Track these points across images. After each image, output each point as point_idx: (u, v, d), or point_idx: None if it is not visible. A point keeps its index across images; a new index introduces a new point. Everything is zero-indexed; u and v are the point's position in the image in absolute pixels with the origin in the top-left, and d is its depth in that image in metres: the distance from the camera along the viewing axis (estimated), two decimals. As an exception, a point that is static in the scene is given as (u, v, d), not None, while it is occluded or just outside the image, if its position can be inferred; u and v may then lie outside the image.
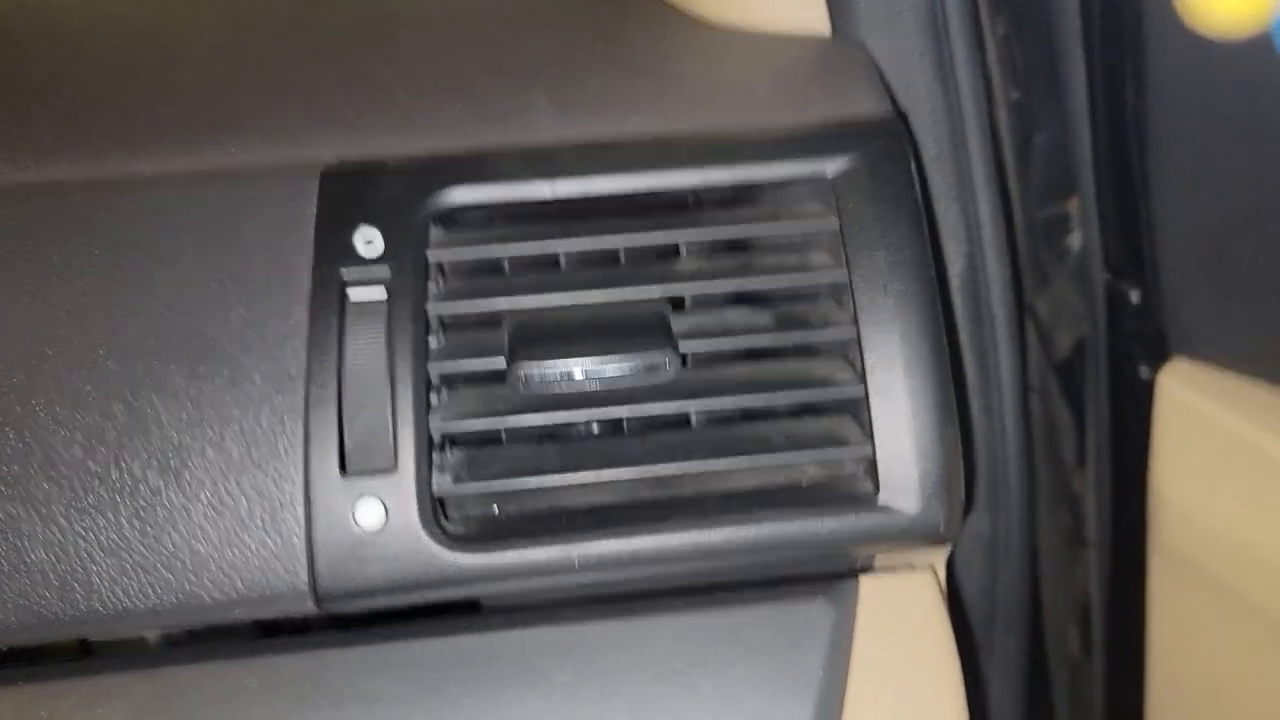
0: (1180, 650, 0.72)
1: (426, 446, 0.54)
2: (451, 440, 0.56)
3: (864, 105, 0.62)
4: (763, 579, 0.58)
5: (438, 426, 0.54)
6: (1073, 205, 0.75)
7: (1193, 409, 0.67)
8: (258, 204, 0.56)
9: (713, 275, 0.57)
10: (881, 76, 0.66)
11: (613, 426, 0.58)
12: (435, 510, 0.53)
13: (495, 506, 0.55)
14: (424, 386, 0.54)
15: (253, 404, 0.53)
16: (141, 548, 0.52)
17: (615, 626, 0.56)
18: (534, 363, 0.54)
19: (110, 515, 0.52)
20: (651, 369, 0.54)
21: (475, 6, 0.73)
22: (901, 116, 0.63)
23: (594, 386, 0.55)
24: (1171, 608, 0.71)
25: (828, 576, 0.58)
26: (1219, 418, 0.64)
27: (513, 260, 0.60)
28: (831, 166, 0.58)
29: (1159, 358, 0.70)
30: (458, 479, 0.54)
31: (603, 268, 0.59)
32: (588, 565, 0.54)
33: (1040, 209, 0.77)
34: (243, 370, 0.54)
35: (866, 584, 0.58)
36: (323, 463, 0.53)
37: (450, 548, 0.53)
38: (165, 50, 0.68)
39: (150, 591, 0.52)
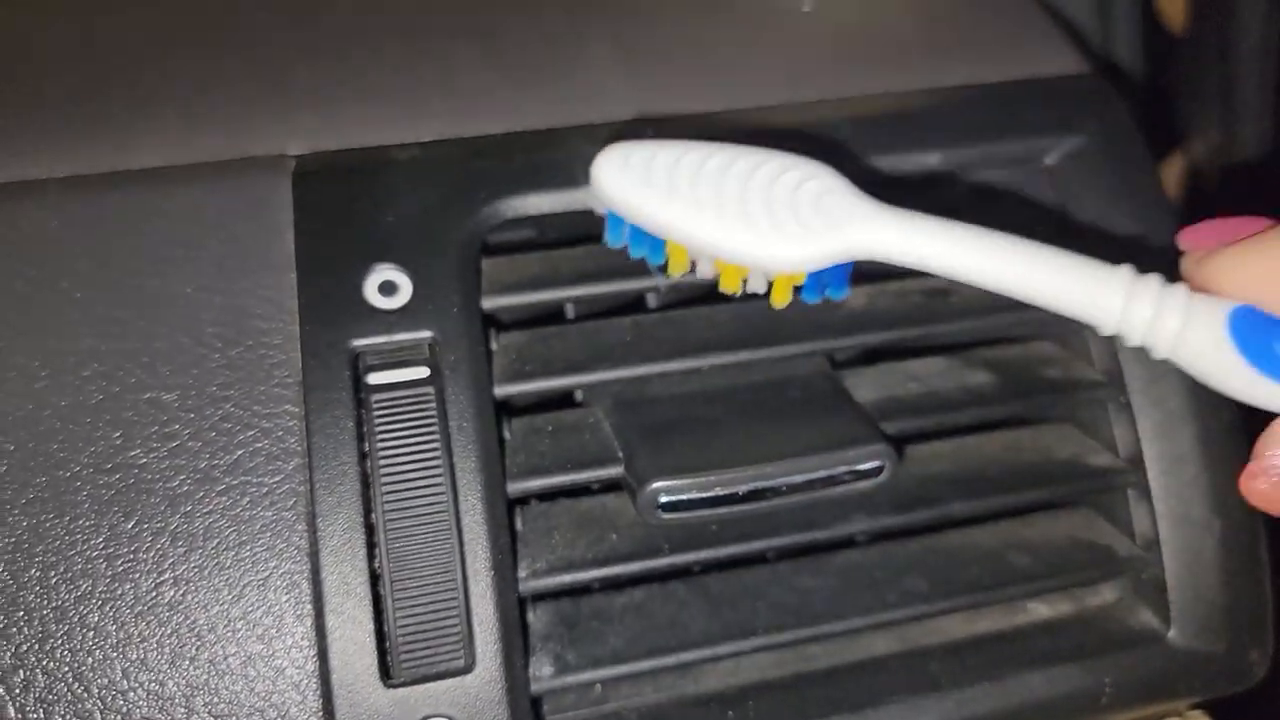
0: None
1: (518, 620, 0.33)
2: (535, 597, 0.36)
3: (1048, 58, 0.44)
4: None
5: (530, 584, 0.34)
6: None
7: None
8: (174, 228, 0.35)
9: (891, 317, 0.38)
10: (1052, 14, 0.48)
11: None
12: (535, 721, 0.33)
13: (605, 695, 0.36)
14: (504, 521, 0.33)
15: (218, 572, 0.32)
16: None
17: None
18: (674, 480, 0.34)
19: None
20: (859, 475, 0.35)
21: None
22: (1107, 71, 0.45)
23: (758, 504, 0.35)
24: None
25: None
26: None
27: (579, 303, 0.40)
28: (1052, 148, 0.40)
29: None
30: (561, 664, 0.34)
31: (709, 305, 0.39)
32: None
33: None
34: (196, 516, 0.32)
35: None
36: (352, 667, 0.32)
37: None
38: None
39: None
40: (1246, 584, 0.38)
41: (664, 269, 0.32)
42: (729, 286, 0.31)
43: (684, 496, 0.33)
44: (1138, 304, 0.28)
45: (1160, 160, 0.64)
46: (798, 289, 0.31)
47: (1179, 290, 0.28)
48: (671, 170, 0.30)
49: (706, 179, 0.30)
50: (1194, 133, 0.61)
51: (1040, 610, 0.38)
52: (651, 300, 0.40)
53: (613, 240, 0.32)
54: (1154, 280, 0.28)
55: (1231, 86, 0.56)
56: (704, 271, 0.31)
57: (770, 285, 0.31)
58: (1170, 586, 0.37)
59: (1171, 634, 0.37)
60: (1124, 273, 0.28)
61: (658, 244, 0.31)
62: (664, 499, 0.33)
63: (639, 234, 0.31)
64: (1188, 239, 0.29)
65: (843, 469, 0.34)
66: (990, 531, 0.39)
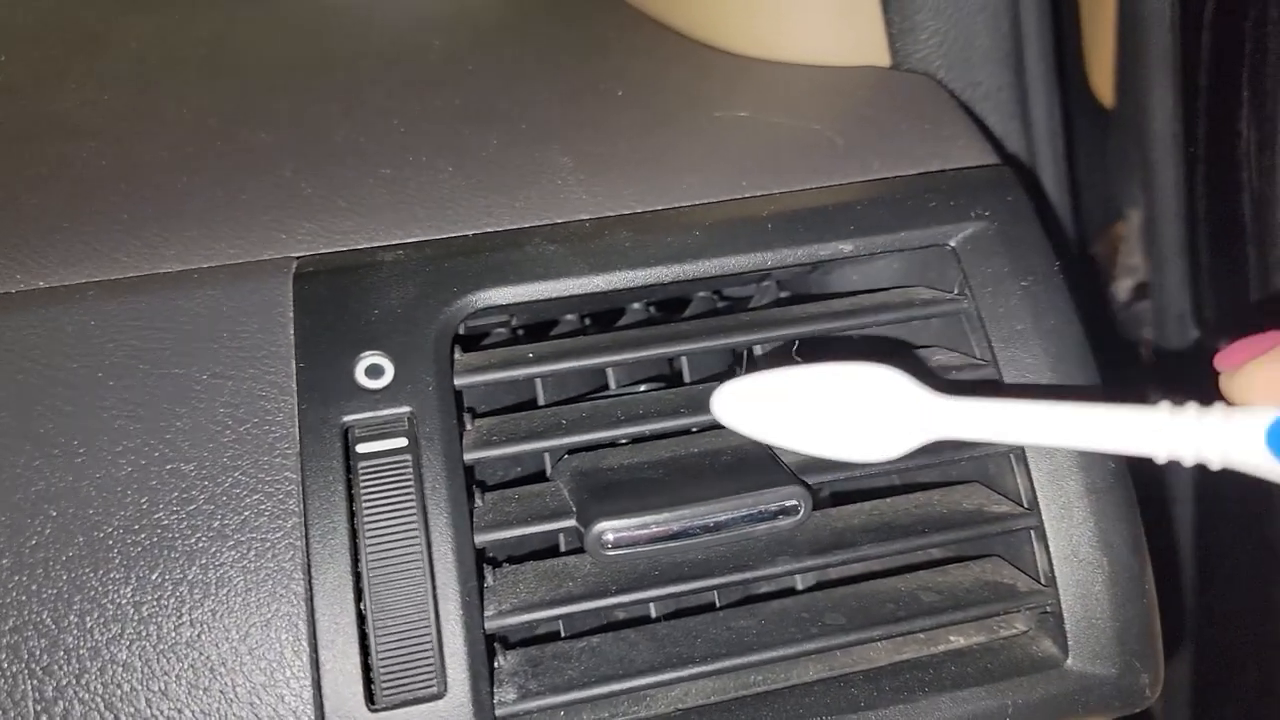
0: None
1: (484, 654, 0.39)
2: (504, 639, 0.41)
3: (960, 150, 0.50)
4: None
5: (495, 623, 0.39)
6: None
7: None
8: (193, 324, 0.41)
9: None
10: (969, 113, 0.54)
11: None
12: (499, 743, 0.38)
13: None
14: (472, 568, 0.39)
15: (228, 614, 0.38)
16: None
17: None
18: (617, 520, 0.39)
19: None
20: (779, 514, 0.40)
21: (450, 49, 0.58)
22: (1009, 162, 0.51)
23: (697, 551, 0.41)
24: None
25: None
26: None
27: (547, 381, 0.46)
28: (955, 233, 0.46)
29: None
30: (524, 692, 0.39)
31: (661, 381, 0.45)
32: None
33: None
34: (210, 567, 0.38)
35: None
36: (341, 695, 0.37)
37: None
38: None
39: None
40: (1134, 615, 0.42)
41: None
42: None
43: (626, 534, 0.39)
44: (1180, 436, 0.31)
45: (1102, 229, 0.70)
46: None
47: (1214, 414, 0.31)
48: (774, 398, 0.36)
49: (799, 401, 0.36)
50: (1126, 208, 0.66)
51: (957, 641, 0.43)
52: (612, 384, 0.46)
53: None
54: (1190, 410, 0.31)
55: (1150, 166, 0.61)
56: None
57: None
58: (1066, 618, 0.42)
59: (1069, 661, 0.42)
60: (1162, 412, 0.31)
61: None
62: (608, 536, 0.39)
63: None
64: (1221, 359, 0.33)
65: (762, 508, 0.40)
66: (906, 579, 0.44)
